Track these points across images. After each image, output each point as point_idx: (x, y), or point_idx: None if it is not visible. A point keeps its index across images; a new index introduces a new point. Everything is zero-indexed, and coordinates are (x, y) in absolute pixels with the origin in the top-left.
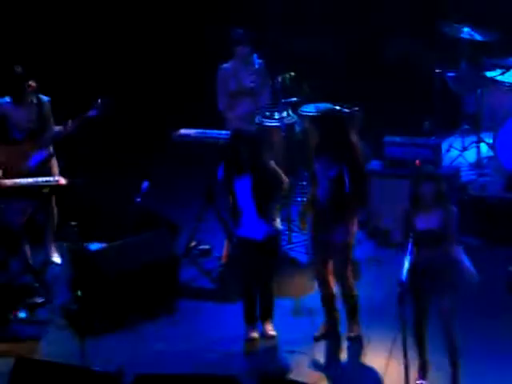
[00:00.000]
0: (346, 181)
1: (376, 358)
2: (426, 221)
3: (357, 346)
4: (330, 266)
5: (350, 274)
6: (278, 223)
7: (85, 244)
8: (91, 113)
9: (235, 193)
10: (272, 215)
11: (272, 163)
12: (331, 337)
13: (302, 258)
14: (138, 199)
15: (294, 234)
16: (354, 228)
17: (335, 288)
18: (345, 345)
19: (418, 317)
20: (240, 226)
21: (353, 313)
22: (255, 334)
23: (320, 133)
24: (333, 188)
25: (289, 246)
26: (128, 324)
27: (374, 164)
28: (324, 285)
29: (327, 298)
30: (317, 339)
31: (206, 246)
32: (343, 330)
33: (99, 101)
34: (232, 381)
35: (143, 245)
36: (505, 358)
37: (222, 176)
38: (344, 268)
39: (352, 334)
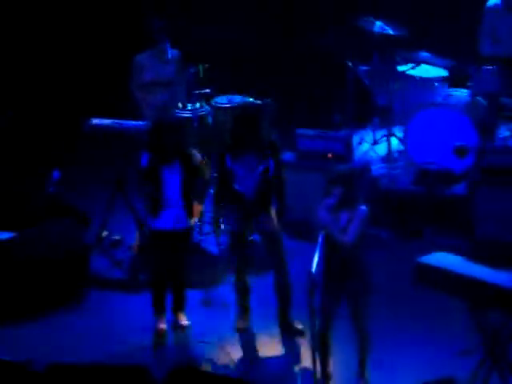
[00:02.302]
0: (271, 173)
1: (289, 350)
2: (335, 222)
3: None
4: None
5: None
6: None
7: None
8: None
9: (162, 182)
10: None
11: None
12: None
13: (213, 249)
14: (49, 188)
15: (205, 225)
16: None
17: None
18: (258, 338)
19: (324, 322)
20: (160, 217)
21: (287, 303)
22: (164, 325)
23: (241, 131)
24: (262, 182)
25: (200, 237)
26: (37, 314)
27: (286, 156)
28: (243, 278)
29: (244, 291)
30: (239, 331)
31: (117, 237)
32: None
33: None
34: (141, 371)
35: (52, 234)
36: (409, 349)
37: (147, 165)
38: (282, 254)
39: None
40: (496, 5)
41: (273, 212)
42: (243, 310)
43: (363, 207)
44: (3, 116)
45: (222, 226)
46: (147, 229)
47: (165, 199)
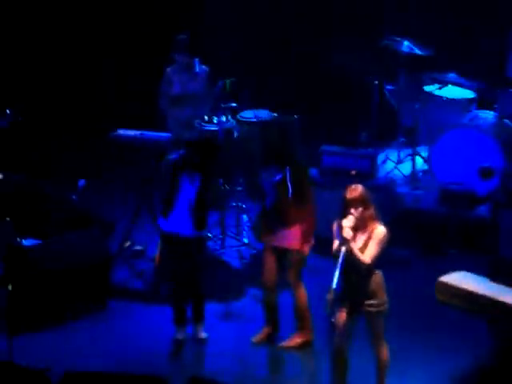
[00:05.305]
0: (289, 185)
1: (310, 363)
2: (354, 241)
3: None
4: (278, 272)
5: (300, 280)
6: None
7: (19, 239)
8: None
9: (179, 187)
10: (205, 219)
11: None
12: (270, 342)
13: (235, 262)
14: (74, 197)
15: (227, 239)
16: (304, 233)
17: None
18: (281, 352)
19: (342, 338)
20: (168, 220)
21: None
22: (183, 336)
23: (264, 141)
24: (278, 193)
25: (222, 251)
26: (58, 321)
27: (311, 172)
28: (270, 292)
29: (271, 305)
30: (256, 343)
31: (140, 247)
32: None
33: (7, 111)
34: (158, 381)
35: (77, 243)
36: (429, 369)
37: (171, 165)
38: (294, 273)
39: (293, 343)
40: None
41: (299, 227)
42: (267, 323)
43: (381, 227)
44: (4, 116)
45: (246, 240)
46: (158, 230)
47: (177, 203)
